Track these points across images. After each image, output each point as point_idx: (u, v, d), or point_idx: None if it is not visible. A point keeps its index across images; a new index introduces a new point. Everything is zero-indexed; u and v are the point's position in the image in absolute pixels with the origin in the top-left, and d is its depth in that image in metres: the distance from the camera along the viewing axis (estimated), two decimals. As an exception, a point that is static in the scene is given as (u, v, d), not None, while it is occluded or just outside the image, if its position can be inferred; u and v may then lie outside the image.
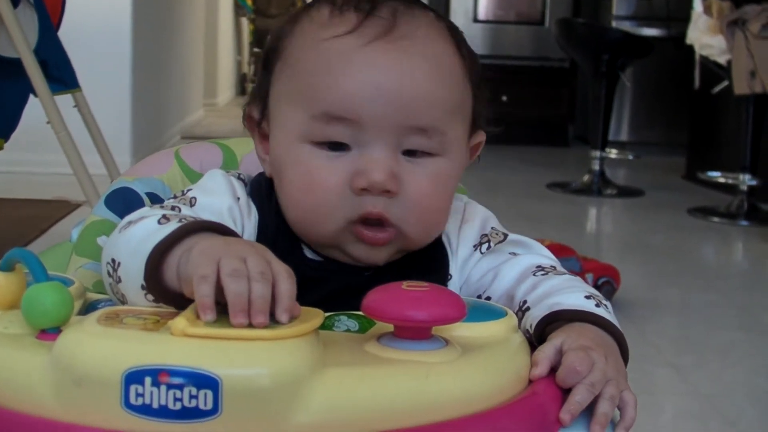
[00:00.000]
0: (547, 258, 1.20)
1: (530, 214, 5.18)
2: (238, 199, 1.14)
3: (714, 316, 3.51)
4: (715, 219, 5.27)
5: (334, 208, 1.08)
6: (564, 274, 1.16)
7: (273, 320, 0.83)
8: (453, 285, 1.19)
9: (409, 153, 1.09)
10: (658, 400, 2.64)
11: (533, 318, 1.07)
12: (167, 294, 0.92)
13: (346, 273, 1.14)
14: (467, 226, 1.21)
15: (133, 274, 0.94)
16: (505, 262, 1.18)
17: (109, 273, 0.99)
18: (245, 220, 1.14)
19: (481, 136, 1.21)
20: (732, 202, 5.36)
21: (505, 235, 1.21)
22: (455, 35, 1.16)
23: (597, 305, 1.07)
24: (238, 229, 1.12)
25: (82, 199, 3.70)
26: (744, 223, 5.18)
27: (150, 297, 0.93)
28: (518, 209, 5.27)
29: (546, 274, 1.15)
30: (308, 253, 1.15)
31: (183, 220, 0.97)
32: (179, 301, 0.90)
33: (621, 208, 5.83)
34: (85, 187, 3.40)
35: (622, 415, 0.98)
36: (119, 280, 0.97)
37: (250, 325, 0.82)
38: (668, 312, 3.52)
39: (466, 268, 1.20)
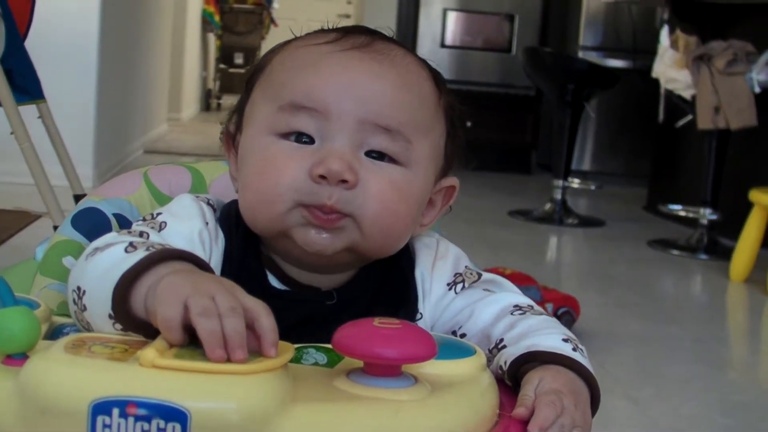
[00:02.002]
0: (523, 297, 1.20)
1: (492, 241, 5.19)
2: (207, 224, 1.14)
3: (673, 348, 3.52)
4: (675, 252, 5.29)
5: (288, 189, 1.07)
6: (541, 314, 1.16)
7: (244, 355, 0.83)
8: (423, 324, 1.18)
9: (374, 157, 1.09)
10: (615, 432, 2.65)
11: (508, 356, 1.07)
12: (135, 323, 0.91)
13: (310, 302, 1.13)
14: (441, 263, 1.21)
15: (99, 302, 0.94)
16: (481, 300, 1.18)
17: (74, 301, 0.98)
18: (213, 245, 1.14)
19: (452, 181, 1.22)
20: (692, 236, 5.39)
21: (479, 275, 1.20)
22: (434, 74, 1.18)
23: (574, 349, 1.07)
24: (206, 255, 1.11)
25: (42, 210, 3.67)
26: (703, 256, 5.21)
27: (118, 326, 0.92)
28: (480, 236, 5.27)
29: (523, 313, 1.15)
30: (273, 282, 1.14)
31: (150, 248, 0.96)
32: (148, 329, 0.89)
33: (582, 238, 5.84)
34: (46, 199, 3.38)
35: None
36: (84, 308, 0.96)
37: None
38: (627, 344, 3.53)
39: (439, 306, 1.19)
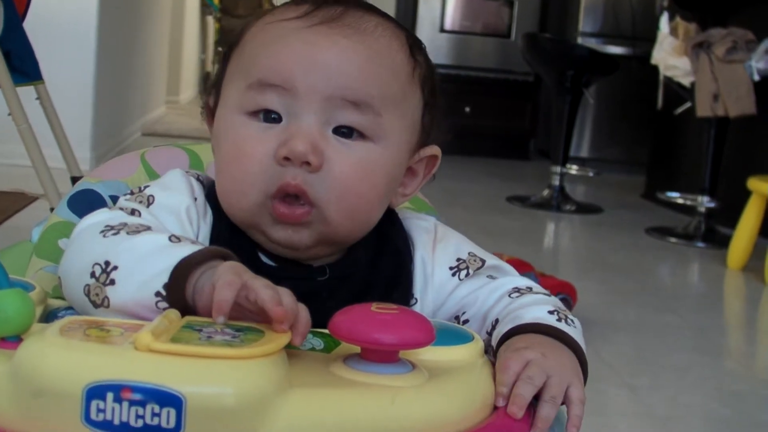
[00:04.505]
0: (524, 280, 1.20)
1: (489, 227, 5.19)
2: (195, 199, 1.14)
3: (669, 336, 3.52)
4: (673, 239, 5.30)
5: (256, 179, 1.07)
6: (539, 293, 1.16)
7: (239, 338, 0.82)
8: (423, 309, 1.18)
9: (342, 134, 1.09)
10: (612, 421, 2.64)
11: (497, 334, 1.08)
12: (184, 305, 0.92)
13: (302, 279, 1.13)
14: (441, 246, 1.21)
15: (138, 280, 0.94)
16: (484, 286, 1.18)
17: (93, 274, 0.97)
18: (201, 221, 1.14)
19: (434, 150, 1.21)
20: (690, 224, 5.39)
21: (483, 261, 1.20)
22: (411, 42, 1.17)
23: (558, 320, 1.08)
24: (193, 231, 1.12)
25: (39, 192, 3.66)
26: (701, 244, 5.21)
27: (162, 305, 0.93)
28: (477, 221, 5.27)
29: (521, 295, 1.15)
30: (264, 258, 1.14)
31: (194, 243, 0.99)
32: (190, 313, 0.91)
33: (579, 225, 5.84)
34: (43, 181, 3.38)
35: (568, 415, 0.98)
36: (111, 283, 0.96)
37: (212, 344, 0.81)
38: (624, 331, 3.53)
39: (442, 292, 1.19)
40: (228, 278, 0.87)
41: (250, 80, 1.09)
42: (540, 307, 1.10)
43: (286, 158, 1.06)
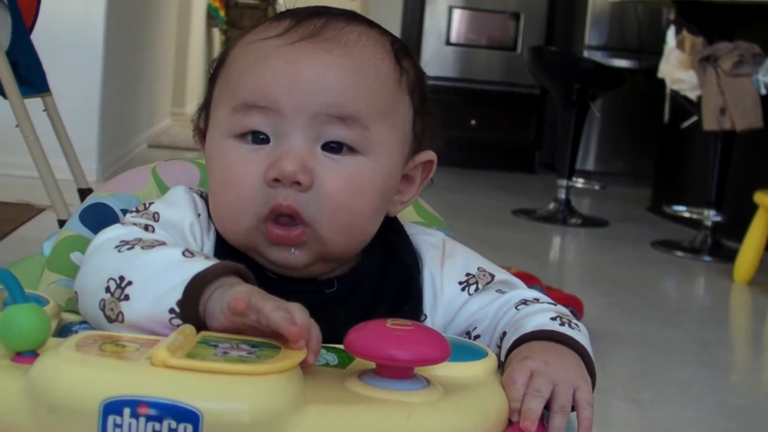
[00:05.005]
0: (531, 292, 1.20)
1: (495, 241, 5.18)
2: (199, 215, 1.14)
3: (674, 351, 3.52)
4: (679, 253, 5.29)
5: (248, 203, 1.07)
6: (545, 303, 1.16)
7: (255, 354, 0.82)
8: (432, 324, 1.17)
9: (331, 149, 1.08)
10: (617, 434, 2.65)
11: (504, 345, 1.08)
12: (197, 321, 0.92)
13: (310, 292, 1.13)
14: (449, 262, 1.21)
15: (152, 296, 0.95)
16: (494, 301, 1.18)
17: (108, 289, 0.98)
18: (204, 237, 1.14)
19: (429, 155, 1.20)
20: (696, 237, 5.38)
21: (492, 276, 1.20)
22: (397, 48, 1.16)
23: (561, 324, 1.08)
24: (197, 246, 1.12)
25: (46, 203, 3.66)
26: (707, 258, 5.20)
27: (176, 321, 0.93)
28: (483, 235, 5.26)
29: (527, 306, 1.15)
30: (269, 273, 1.14)
31: (208, 258, 0.99)
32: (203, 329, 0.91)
33: (585, 238, 5.84)
34: (50, 192, 3.38)
35: (578, 418, 0.98)
36: (125, 298, 0.96)
37: (228, 360, 0.81)
38: (629, 345, 3.53)
39: (452, 307, 1.19)
40: (241, 295, 0.88)
41: (235, 102, 1.09)
42: (543, 315, 1.10)
43: (276, 179, 1.06)
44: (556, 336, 1.05)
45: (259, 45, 1.11)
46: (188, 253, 0.99)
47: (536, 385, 0.96)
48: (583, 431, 0.98)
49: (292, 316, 0.86)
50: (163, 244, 1.01)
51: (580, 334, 1.08)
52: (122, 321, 0.96)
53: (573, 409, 0.98)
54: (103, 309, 0.98)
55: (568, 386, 0.98)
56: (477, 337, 1.16)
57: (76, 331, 0.93)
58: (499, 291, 1.19)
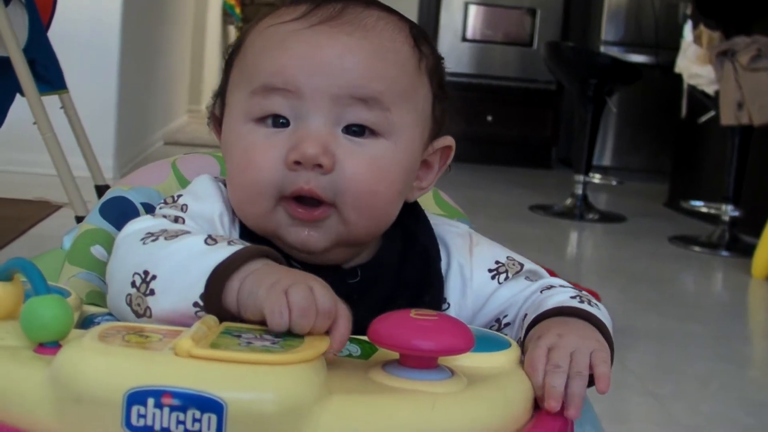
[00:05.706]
0: (557, 280, 1.20)
1: (512, 236, 5.17)
2: (226, 205, 1.14)
3: (693, 345, 3.50)
4: (696, 248, 5.27)
5: (268, 185, 1.06)
6: (568, 287, 1.16)
7: (279, 344, 0.82)
8: (455, 313, 1.18)
9: (353, 132, 1.08)
10: (635, 429, 2.63)
11: (524, 326, 1.09)
12: (223, 314, 0.91)
13: (332, 281, 1.12)
14: (477, 250, 1.21)
15: (178, 289, 0.94)
16: (525, 289, 1.18)
17: (134, 284, 0.97)
18: (231, 227, 1.13)
19: (448, 140, 1.20)
20: (714, 232, 5.36)
21: (522, 265, 1.20)
22: (415, 33, 1.15)
23: (581, 302, 1.08)
24: (225, 234, 1.11)
25: (63, 200, 3.67)
26: (725, 253, 5.18)
27: (202, 314, 0.92)
28: (500, 230, 5.25)
29: (550, 290, 1.16)
30: (294, 262, 1.13)
31: (231, 243, 0.97)
32: (235, 320, 0.90)
33: (602, 234, 5.83)
34: (68, 189, 3.39)
35: (595, 377, 0.97)
36: (150, 293, 0.96)
37: (252, 350, 0.80)
38: (647, 340, 3.52)
39: (481, 295, 1.19)
40: (274, 303, 0.87)
41: (254, 86, 1.09)
42: (562, 295, 1.11)
43: (297, 162, 1.05)
44: (573, 311, 1.06)
45: (277, 29, 1.11)
46: (210, 240, 0.97)
47: (554, 360, 0.96)
48: (600, 385, 0.97)
49: (313, 307, 0.86)
50: (187, 233, 1.00)
51: (599, 311, 1.08)
52: (150, 316, 0.95)
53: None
54: (130, 304, 0.97)
55: (584, 351, 0.98)
56: (507, 324, 1.17)
57: (99, 323, 0.93)
58: (528, 279, 1.20)
